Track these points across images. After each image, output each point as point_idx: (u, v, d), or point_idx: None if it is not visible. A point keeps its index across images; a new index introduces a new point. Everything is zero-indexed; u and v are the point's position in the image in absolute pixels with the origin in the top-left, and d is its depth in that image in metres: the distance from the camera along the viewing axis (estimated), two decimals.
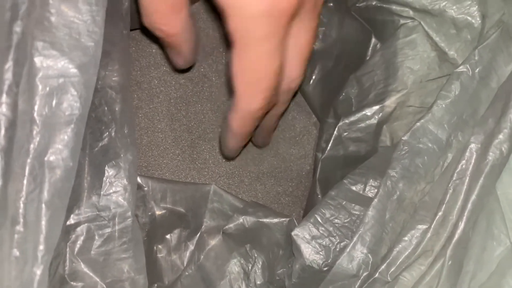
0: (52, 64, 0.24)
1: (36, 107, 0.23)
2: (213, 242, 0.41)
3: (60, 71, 0.24)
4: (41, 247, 0.24)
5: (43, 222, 0.24)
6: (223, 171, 0.46)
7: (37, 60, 0.23)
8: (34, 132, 0.23)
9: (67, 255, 0.30)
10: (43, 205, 0.24)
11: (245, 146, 0.43)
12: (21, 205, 0.23)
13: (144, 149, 0.44)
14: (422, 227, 0.35)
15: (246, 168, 0.46)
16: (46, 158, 0.24)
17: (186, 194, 0.41)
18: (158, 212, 0.40)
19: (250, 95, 0.34)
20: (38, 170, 0.24)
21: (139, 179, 0.40)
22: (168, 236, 0.41)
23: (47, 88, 0.24)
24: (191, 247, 0.41)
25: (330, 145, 0.43)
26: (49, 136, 0.24)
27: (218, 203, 0.41)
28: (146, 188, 0.40)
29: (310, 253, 0.38)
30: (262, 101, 0.34)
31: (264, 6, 0.29)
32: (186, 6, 0.34)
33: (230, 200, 0.42)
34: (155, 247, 0.40)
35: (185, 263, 0.41)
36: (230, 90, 0.41)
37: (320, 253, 0.38)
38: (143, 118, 0.45)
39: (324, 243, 0.38)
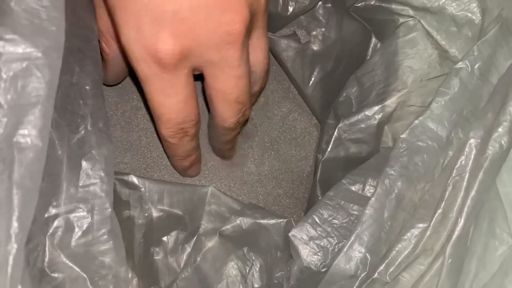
0: (15, 48, 0.24)
1: (0, 90, 0.24)
2: (210, 244, 0.40)
3: (23, 54, 0.24)
4: (15, 225, 0.23)
5: (15, 202, 0.23)
6: (223, 173, 0.45)
7: None
8: (1, 115, 0.23)
9: (46, 247, 0.29)
10: (14, 186, 0.23)
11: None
12: None
13: (143, 150, 0.44)
14: (422, 225, 0.34)
15: (247, 170, 0.45)
16: (14, 140, 0.24)
17: (184, 196, 0.41)
18: (155, 214, 0.40)
19: (157, 123, 0.36)
20: (7, 151, 0.24)
21: (136, 180, 0.40)
22: (165, 238, 0.41)
23: (11, 72, 0.24)
24: (188, 249, 0.40)
25: (330, 146, 0.43)
26: (16, 118, 0.24)
27: (216, 205, 0.41)
28: (143, 189, 0.40)
29: (308, 254, 0.37)
30: (168, 131, 0.36)
31: (138, 53, 0.31)
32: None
33: (228, 202, 0.41)
34: (151, 249, 0.40)
35: (181, 266, 0.40)
36: None
37: (318, 254, 0.37)
38: (142, 119, 0.45)
39: (322, 243, 0.37)
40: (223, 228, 0.40)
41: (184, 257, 0.40)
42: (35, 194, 0.24)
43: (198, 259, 0.40)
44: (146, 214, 0.40)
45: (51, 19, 0.24)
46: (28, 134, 0.24)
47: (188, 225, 0.41)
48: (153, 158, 0.44)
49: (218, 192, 0.41)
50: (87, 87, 0.32)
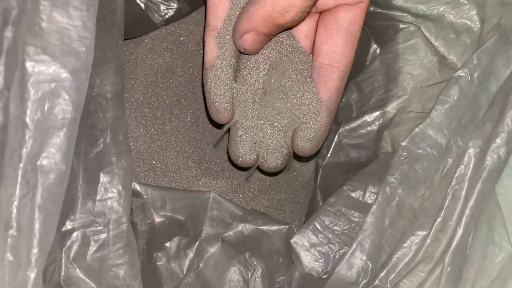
0: (44, 69, 0.24)
1: (28, 112, 0.24)
2: (213, 249, 0.41)
3: (52, 76, 0.24)
4: (35, 250, 0.24)
5: (37, 226, 0.24)
6: (225, 178, 0.45)
7: (29, 65, 0.24)
8: (27, 136, 0.24)
9: (63, 260, 0.30)
10: (36, 209, 0.24)
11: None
12: (14, 210, 0.24)
13: (146, 157, 0.44)
14: (422, 233, 0.35)
15: (248, 175, 0.46)
16: (38, 162, 0.24)
17: (186, 202, 0.41)
18: (157, 220, 0.40)
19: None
20: (31, 174, 0.24)
21: (138, 187, 0.40)
22: (167, 244, 0.41)
23: (39, 93, 0.24)
24: (191, 255, 0.41)
25: (330, 151, 0.43)
26: (41, 140, 0.24)
27: (218, 210, 0.41)
28: (145, 196, 0.40)
29: (310, 260, 0.38)
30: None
31: None
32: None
33: (230, 207, 0.41)
34: (154, 255, 0.40)
35: (184, 271, 0.41)
36: None
37: (320, 260, 0.38)
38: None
39: (323, 250, 0.38)
40: (225, 234, 0.40)
41: (187, 262, 0.41)
42: (56, 217, 0.24)
43: (201, 264, 0.40)
44: (148, 221, 0.40)
45: (82, 39, 0.24)
46: (53, 157, 0.24)
47: (190, 231, 0.41)
48: (158, 166, 0.44)
49: (219, 197, 0.42)
50: (108, 99, 0.32)
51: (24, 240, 0.24)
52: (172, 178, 0.45)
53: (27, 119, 0.24)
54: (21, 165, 0.24)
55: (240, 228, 0.40)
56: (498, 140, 0.32)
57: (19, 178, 0.24)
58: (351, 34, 0.37)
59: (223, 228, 0.41)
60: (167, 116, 0.45)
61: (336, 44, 0.37)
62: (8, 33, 0.24)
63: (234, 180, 0.45)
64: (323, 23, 0.38)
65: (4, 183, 0.24)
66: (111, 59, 0.32)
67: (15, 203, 0.23)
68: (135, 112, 0.44)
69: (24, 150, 0.24)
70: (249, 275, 0.40)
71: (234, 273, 0.40)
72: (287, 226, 0.40)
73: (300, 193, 0.46)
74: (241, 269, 0.40)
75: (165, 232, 0.41)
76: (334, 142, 0.43)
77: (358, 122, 0.43)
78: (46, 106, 0.24)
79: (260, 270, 0.40)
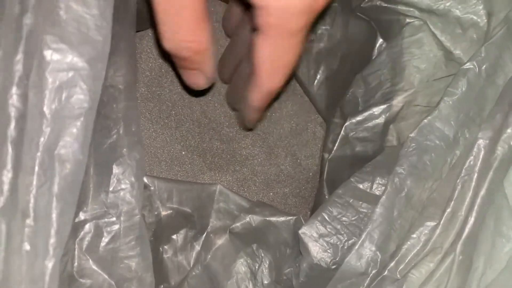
0: (62, 58, 0.24)
1: (45, 100, 0.24)
2: (220, 242, 0.41)
3: (69, 64, 0.24)
4: (52, 240, 0.24)
5: (54, 216, 0.24)
6: (230, 172, 0.45)
7: (47, 53, 0.24)
8: (44, 125, 0.24)
9: (76, 252, 0.30)
10: (54, 199, 0.24)
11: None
12: (32, 199, 0.24)
13: (151, 150, 0.44)
14: (431, 224, 0.35)
15: (253, 169, 0.46)
16: (56, 152, 0.24)
17: (192, 194, 0.41)
18: (164, 212, 0.40)
19: (274, 78, 0.35)
20: (48, 163, 0.24)
21: (145, 179, 0.40)
22: (174, 237, 0.41)
23: (57, 82, 0.24)
24: (197, 247, 0.41)
25: (337, 145, 0.43)
26: (58, 129, 0.24)
27: (224, 202, 0.41)
28: (152, 188, 0.40)
29: (318, 251, 0.38)
30: (282, 82, 0.35)
31: (305, 4, 0.30)
32: (208, 15, 0.32)
33: (236, 199, 0.41)
34: (161, 248, 0.40)
35: (191, 264, 0.40)
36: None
37: (328, 251, 0.38)
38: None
39: (332, 241, 0.38)
40: (233, 225, 0.40)
41: (194, 255, 0.41)
42: (73, 207, 0.24)
43: (208, 257, 0.40)
44: (155, 213, 0.40)
45: (99, 28, 0.24)
46: (70, 147, 0.24)
47: (197, 223, 0.41)
48: (164, 160, 0.44)
49: (226, 190, 0.41)
50: (121, 90, 0.31)
51: (41, 230, 0.23)
52: (177, 172, 0.45)
53: (45, 108, 0.24)
54: (39, 154, 0.23)
55: (247, 219, 0.40)
56: (509, 130, 0.33)
57: (37, 168, 0.23)
58: None
59: (230, 220, 0.41)
60: (172, 110, 0.45)
61: None
62: (27, 20, 0.23)
63: (239, 174, 0.45)
64: None
65: (22, 172, 0.24)
66: (124, 50, 0.32)
67: (33, 192, 0.23)
68: (140, 106, 0.44)
69: (42, 139, 0.24)
70: (257, 267, 0.40)
71: (241, 265, 0.40)
72: (294, 217, 0.40)
73: (306, 187, 0.46)
74: (249, 261, 0.40)
75: (171, 224, 0.40)
76: (340, 135, 0.43)
77: (365, 115, 0.43)
78: (63, 95, 0.24)
79: (267, 262, 0.40)
